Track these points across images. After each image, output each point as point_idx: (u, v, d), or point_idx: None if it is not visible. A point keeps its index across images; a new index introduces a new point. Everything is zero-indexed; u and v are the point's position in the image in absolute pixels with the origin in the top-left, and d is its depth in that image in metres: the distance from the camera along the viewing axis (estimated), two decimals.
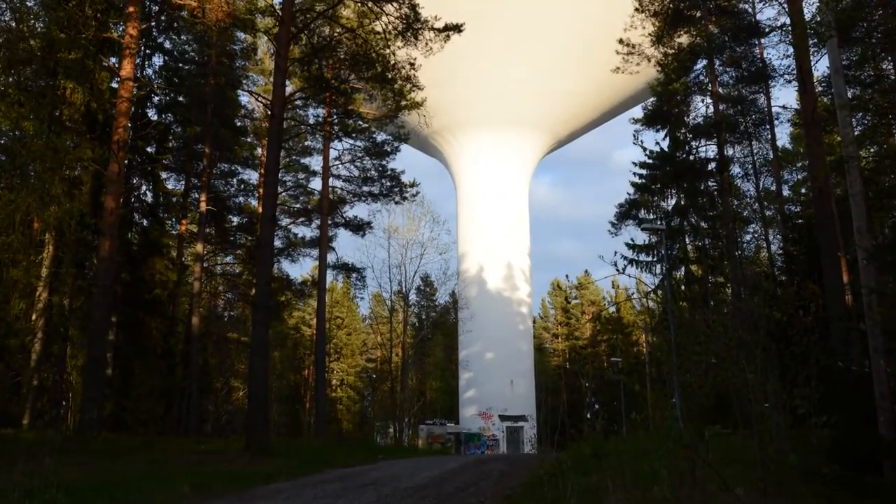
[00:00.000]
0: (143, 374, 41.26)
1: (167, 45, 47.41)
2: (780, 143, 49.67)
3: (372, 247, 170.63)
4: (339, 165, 52.10)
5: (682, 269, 50.65)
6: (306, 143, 55.94)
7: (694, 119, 48.60)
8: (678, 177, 48.31)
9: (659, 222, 48.20)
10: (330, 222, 52.60)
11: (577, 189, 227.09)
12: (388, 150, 51.77)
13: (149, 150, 45.42)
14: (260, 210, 46.33)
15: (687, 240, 50.51)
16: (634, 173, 52.81)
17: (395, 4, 34.31)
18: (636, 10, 43.27)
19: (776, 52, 74.62)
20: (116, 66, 35.95)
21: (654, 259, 51.42)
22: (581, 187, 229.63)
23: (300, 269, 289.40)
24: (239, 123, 53.44)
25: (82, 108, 35.71)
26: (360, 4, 35.74)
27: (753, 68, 43.99)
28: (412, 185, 53.47)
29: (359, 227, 54.00)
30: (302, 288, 61.99)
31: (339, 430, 79.41)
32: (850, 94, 30.39)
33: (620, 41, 43.47)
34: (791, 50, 32.10)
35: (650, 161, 51.82)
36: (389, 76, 37.36)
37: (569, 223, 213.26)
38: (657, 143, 51.17)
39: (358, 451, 34.89)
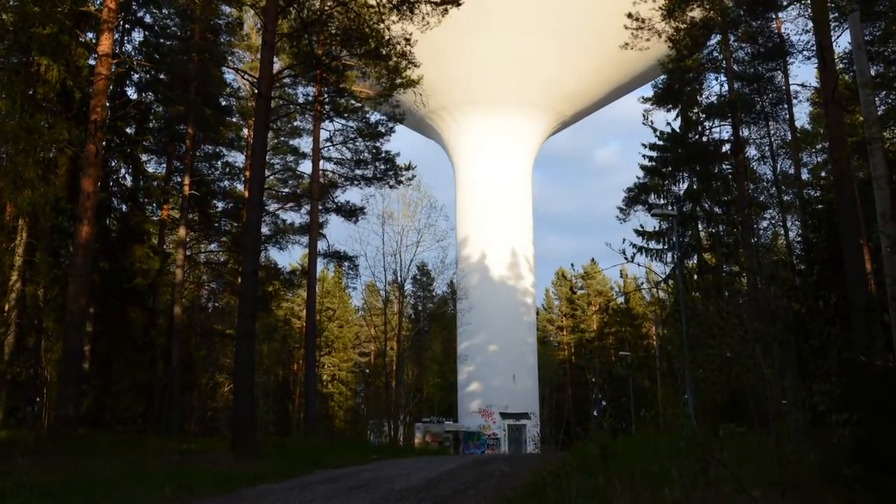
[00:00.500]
0: (123, 369, 41.24)
1: (147, 19, 47.07)
2: (798, 124, 49.77)
3: (365, 234, 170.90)
4: (331, 147, 52.14)
5: (695, 257, 50.69)
6: (295, 124, 55.90)
7: (707, 98, 48.67)
8: (690, 159, 48.35)
9: (670, 207, 48.24)
10: (320, 207, 52.60)
11: (560, 187, 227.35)
12: (383, 130, 51.68)
13: (128, 130, 45.35)
14: (246, 194, 46.31)
15: (700, 226, 50.56)
16: (644, 155, 52.88)
17: None
18: None
19: (794, 27, 74.58)
20: (94, 41, 35.87)
21: (665, 247, 51.48)
22: (563, 185, 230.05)
23: (289, 257, 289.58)
24: (224, 103, 53.37)
25: (58, 87, 35.58)
26: None
27: (770, 44, 43.99)
28: (408, 168, 53.41)
29: (351, 212, 54.00)
30: (291, 277, 61.95)
31: (330, 429, 79.51)
32: (873, 72, 30.38)
33: (629, 15, 43.31)
34: (810, 24, 32.11)
35: (660, 143, 51.82)
36: (384, 52, 37.18)
37: (553, 219, 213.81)
38: (668, 124, 51.27)
39: (350, 451, 34.93)
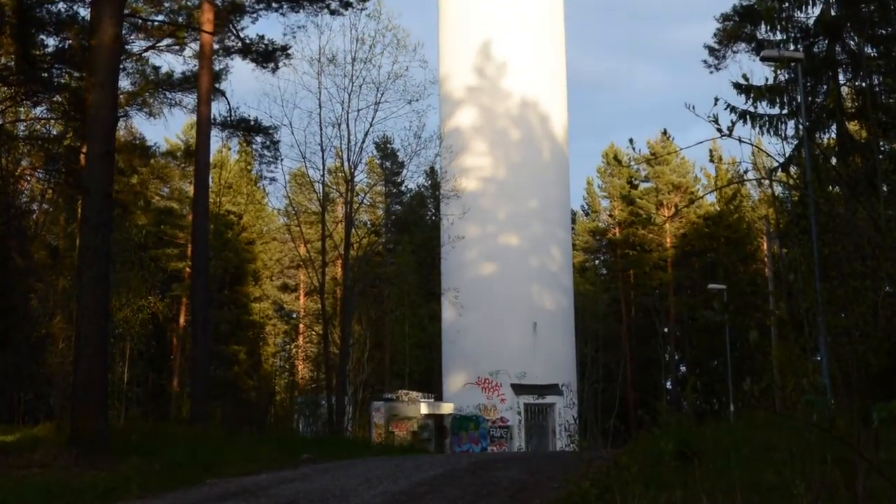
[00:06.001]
0: None
1: None
2: None
3: (291, 90, 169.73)
4: None
5: (833, 128, 50.59)
6: None
7: None
8: None
9: (793, 47, 48.02)
10: (217, 46, 52.32)
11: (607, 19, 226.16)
12: None
13: None
14: (94, 26, 46.05)
15: (842, 77, 50.43)
16: None
17: None
18: None
19: None
20: None
21: (785, 111, 51.35)
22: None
23: (165, 129, 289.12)
24: None
25: None
26: None
27: None
28: None
29: (267, 55, 53.70)
30: (168, 161, 61.82)
31: (234, 411, 79.76)
32: None
33: None
34: None
35: None
36: None
37: (598, 66, 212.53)
38: None
39: (266, 448, 35.01)
